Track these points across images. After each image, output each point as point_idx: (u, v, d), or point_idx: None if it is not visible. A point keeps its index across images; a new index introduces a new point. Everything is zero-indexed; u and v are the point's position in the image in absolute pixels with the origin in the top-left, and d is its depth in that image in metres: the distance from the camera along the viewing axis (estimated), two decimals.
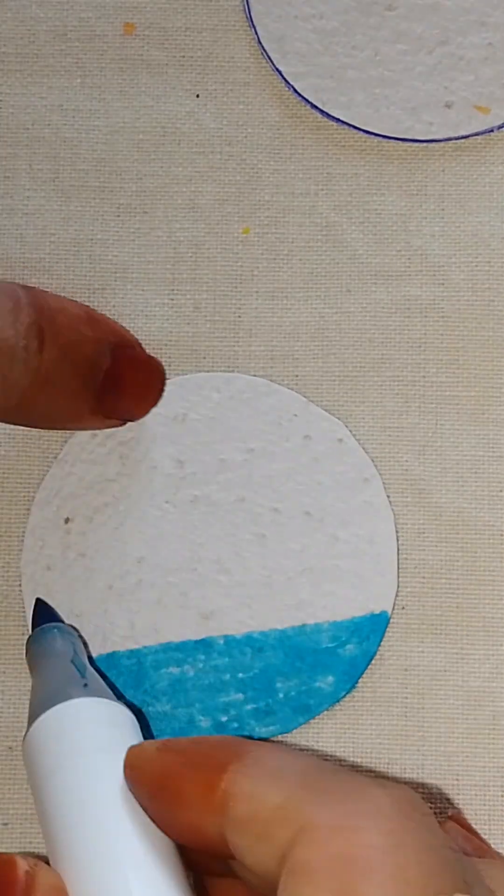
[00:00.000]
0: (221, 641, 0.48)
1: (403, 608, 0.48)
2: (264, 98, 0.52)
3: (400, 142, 0.51)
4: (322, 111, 0.51)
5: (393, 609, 0.48)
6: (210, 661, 0.48)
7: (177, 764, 0.39)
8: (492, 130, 0.50)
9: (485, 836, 0.46)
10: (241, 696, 0.47)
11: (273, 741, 0.47)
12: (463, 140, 0.51)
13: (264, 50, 0.51)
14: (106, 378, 0.46)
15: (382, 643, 0.48)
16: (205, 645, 0.48)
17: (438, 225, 0.51)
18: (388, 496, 0.49)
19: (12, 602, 0.49)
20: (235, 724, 0.47)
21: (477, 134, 0.50)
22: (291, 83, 0.51)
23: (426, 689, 0.48)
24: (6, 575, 0.49)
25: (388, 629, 0.48)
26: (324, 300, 0.51)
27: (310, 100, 0.51)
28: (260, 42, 0.51)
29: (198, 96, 0.52)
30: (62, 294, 0.50)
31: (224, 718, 0.47)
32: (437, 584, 0.48)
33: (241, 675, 0.48)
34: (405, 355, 0.50)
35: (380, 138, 0.51)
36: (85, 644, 0.48)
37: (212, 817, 0.37)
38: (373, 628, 0.48)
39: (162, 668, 0.48)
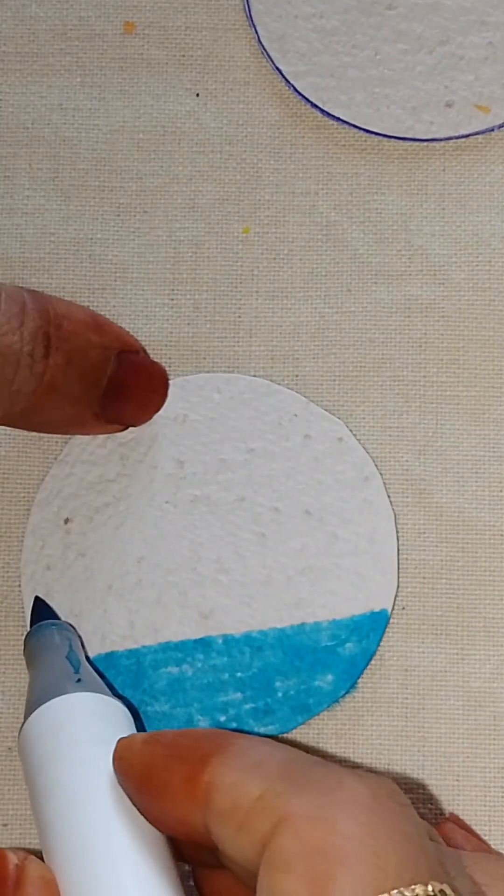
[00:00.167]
0: (220, 641, 0.48)
1: (404, 608, 0.48)
2: (264, 97, 0.52)
3: (400, 141, 0.51)
4: (322, 110, 0.51)
5: (393, 609, 0.48)
6: (209, 660, 0.48)
7: (162, 756, 0.39)
8: (492, 130, 0.50)
9: (485, 837, 0.46)
10: (239, 695, 0.47)
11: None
12: (463, 139, 0.51)
13: (264, 49, 0.51)
14: (110, 384, 0.46)
15: (383, 644, 0.48)
16: (203, 644, 0.48)
17: (439, 224, 0.51)
18: (389, 496, 0.49)
19: (12, 602, 0.49)
20: (234, 724, 0.47)
21: (477, 133, 0.50)
22: (292, 82, 0.51)
23: (427, 690, 0.48)
24: (6, 575, 0.49)
25: (388, 629, 0.48)
26: (324, 300, 0.51)
27: (310, 99, 0.51)
28: (260, 41, 0.51)
29: (198, 95, 0.52)
30: (62, 294, 0.50)
31: (223, 718, 0.47)
32: (438, 584, 0.48)
33: (239, 674, 0.47)
34: (405, 355, 0.50)
35: (380, 137, 0.51)
36: (82, 641, 0.48)
37: (195, 809, 0.37)
38: (372, 626, 0.48)
39: (161, 667, 0.48)
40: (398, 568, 0.48)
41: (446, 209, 0.51)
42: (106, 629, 0.48)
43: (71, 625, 0.48)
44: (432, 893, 0.34)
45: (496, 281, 0.50)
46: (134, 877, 0.38)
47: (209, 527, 0.49)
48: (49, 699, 0.42)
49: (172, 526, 0.49)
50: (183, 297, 0.51)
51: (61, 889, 0.39)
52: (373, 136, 0.51)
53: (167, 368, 0.50)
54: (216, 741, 0.38)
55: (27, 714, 0.43)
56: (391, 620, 0.48)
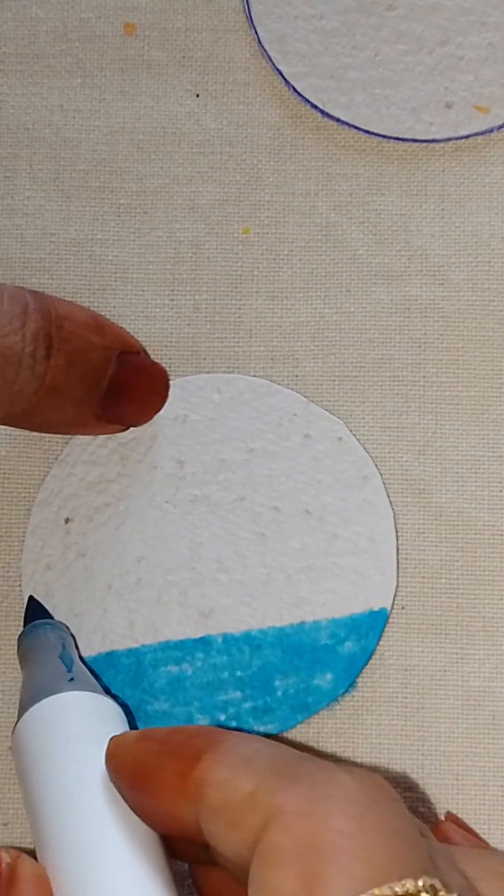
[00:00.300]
0: (220, 640, 0.48)
1: (403, 608, 0.48)
2: (264, 98, 0.52)
3: (400, 142, 0.51)
4: (322, 111, 0.51)
5: (392, 608, 0.48)
6: (208, 659, 0.48)
7: (154, 753, 0.39)
8: (492, 131, 0.50)
9: (484, 836, 0.46)
10: (239, 694, 0.47)
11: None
12: (463, 140, 0.51)
13: (264, 50, 0.51)
14: (111, 385, 0.47)
15: (382, 643, 0.48)
16: (203, 643, 0.48)
17: (438, 225, 0.51)
18: (388, 496, 0.49)
19: (12, 602, 0.49)
20: (234, 723, 0.47)
21: (477, 134, 0.50)
22: (291, 83, 0.51)
23: (426, 689, 0.48)
24: (6, 575, 0.49)
25: (387, 629, 0.48)
26: (324, 300, 0.51)
27: (310, 100, 0.51)
28: (260, 42, 0.51)
29: (198, 96, 0.52)
30: (63, 295, 0.50)
31: (222, 717, 0.47)
32: (437, 584, 0.48)
33: (239, 673, 0.48)
34: (405, 355, 0.50)
35: (380, 138, 0.51)
36: (75, 641, 0.48)
37: (186, 805, 0.37)
38: (371, 625, 0.48)
39: (160, 666, 0.48)
40: (397, 567, 0.48)
41: (446, 210, 0.51)
42: (106, 628, 0.48)
43: (64, 624, 0.48)
44: (423, 888, 0.34)
45: (496, 281, 0.50)
46: (126, 874, 0.39)
47: (209, 526, 0.49)
48: (42, 698, 0.43)
49: (172, 525, 0.49)
50: (183, 297, 0.51)
51: (54, 887, 0.39)
52: (373, 136, 0.51)
53: (167, 369, 0.50)
54: (208, 738, 0.39)
55: (20, 713, 0.43)
56: (390, 620, 0.48)
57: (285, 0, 0.51)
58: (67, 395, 0.46)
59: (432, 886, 0.34)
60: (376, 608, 0.48)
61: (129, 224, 0.51)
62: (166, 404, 0.50)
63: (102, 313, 0.49)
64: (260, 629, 0.48)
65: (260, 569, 0.48)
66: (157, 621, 0.48)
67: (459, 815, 0.47)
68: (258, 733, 0.47)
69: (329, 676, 0.47)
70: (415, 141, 0.50)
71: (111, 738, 0.41)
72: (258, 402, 0.50)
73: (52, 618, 0.48)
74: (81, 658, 0.47)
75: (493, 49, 0.50)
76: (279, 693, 0.47)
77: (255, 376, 0.50)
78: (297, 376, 0.50)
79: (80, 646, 0.48)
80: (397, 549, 0.48)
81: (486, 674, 0.48)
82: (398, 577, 0.48)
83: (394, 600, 0.48)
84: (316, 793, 0.36)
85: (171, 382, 0.50)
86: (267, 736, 0.47)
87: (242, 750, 0.38)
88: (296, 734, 0.48)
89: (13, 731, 0.43)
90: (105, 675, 0.48)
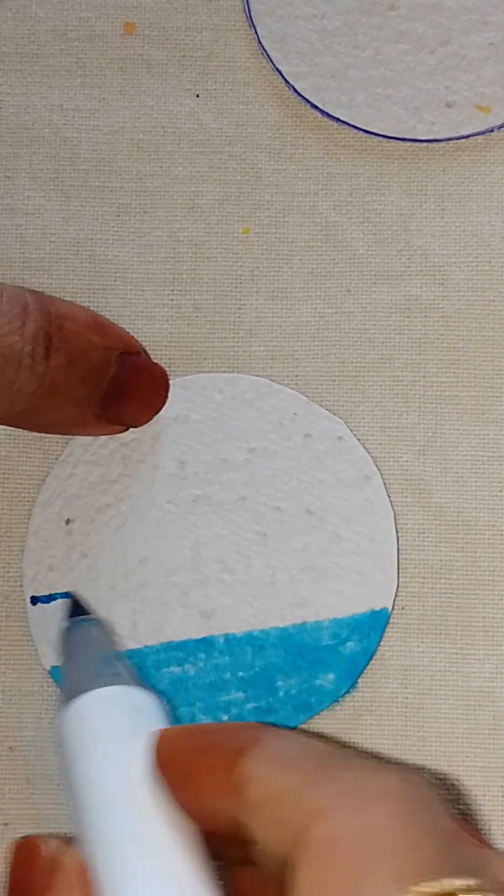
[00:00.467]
0: (222, 640, 0.48)
1: (403, 608, 0.48)
2: (265, 98, 0.52)
3: (400, 141, 0.51)
4: (323, 111, 0.51)
5: (393, 608, 0.48)
6: (211, 659, 0.48)
7: (197, 748, 0.39)
8: (493, 130, 0.50)
9: (484, 836, 0.47)
10: (241, 694, 0.47)
11: None
12: (463, 140, 0.51)
13: (265, 50, 0.51)
14: (111, 385, 0.46)
15: (383, 643, 0.48)
16: (205, 644, 0.48)
17: (439, 225, 0.51)
18: (389, 496, 0.49)
19: (14, 603, 0.49)
20: None
21: (478, 134, 0.50)
22: (292, 83, 0.51)
23: (426, 689, 0.48)
24: (8, 576, 0.49)
25: (388, 629, 0.48)
26: (324, 300, 0.51)
27: (310, 100, 0.51)
28: (260, 42, 0.51)
29: (198, 96, 0.52)
30: (63, 295, 0.50)
31: (225, 717, 0.47)
32: (437, 584, 0.49)
33: (241, 673, 0.48)
34: (405, 355, 0.50)
35: (380, 138, 0.51)
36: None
37: (229, 800, 0.37)
38: (373, 625, 0.48)
39: (163, 667, 0.48)
40: (398, 567, 0.48)
41: (446, 209, 0.51)
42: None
43: (106, 620, 0.48)
44: (465, 888, 0.34)
45: (496, 281, 0.50)
46: (166, 868, 0.38)
47: (211, 526, 0.49)
48: (87, 690, 0.43)
49: (174, 526, 0.49)
50: (183, 297, 0.51)
51: (93, 878, 0.39)
52: (373, 136, 0.51)
53: (167, 369, 0.50)
54: (251, 734, 0.39)
55: (63, 705, 0.43)
56: (391, 620, 0.48)
57: (286, 0, 0.51)
58: (67, 395, 0.46)
59: (475, 886, 0.34)
60: (378, 608, 0.48)
61: (129, 224, 0.51)
62: (168, 404, 0.50)
63: (102, 313, 0.49)
64: (262, 629, 0.48)
65: (262, 569, 0.48)
66: (159, 622, 0.48)
67: (459, 816, 0.47)
68: None
69: (331, 676, 0.47)
70: (416, 141, 0.50)
71: (155, 732, 0.41)
72: (260, 402, 0.50)
73: (93, 614, 0.48)
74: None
75: (495, 48, 0.50)
76: (281, 693, 0.47)
77: (255, 376, 0.50)
78: (297, 376, 0.50)
79: None
80: (398, 550, 0.49)
81: (487, 674, 0.48)
82: (399, 577, 0.48)
83: (394, 600, 0.48)
84: (360, 790, 0.36)
85: (172, 382, 0.50)
86: None
87: (286, 746, 0.38)
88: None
89: (56, 722, 0.43)
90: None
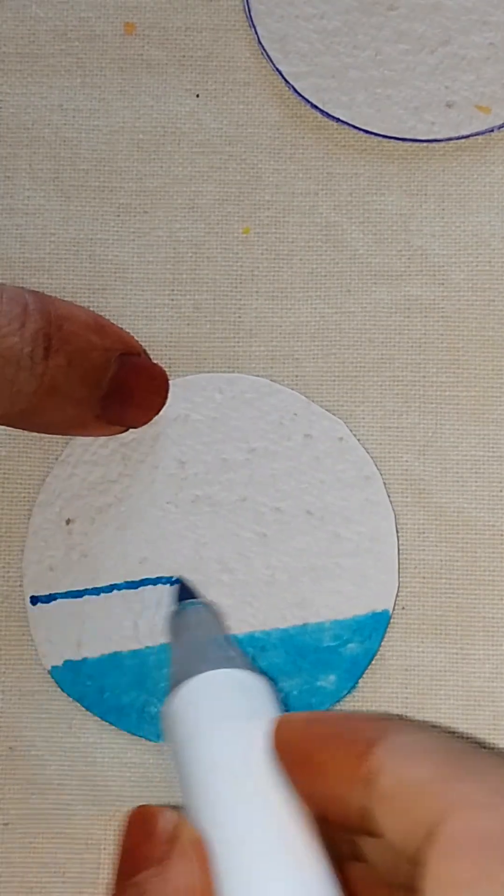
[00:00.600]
0: None
1: (404, 608, 0.48)
2: (265, 98, 0.52)
3: (400, 141, 0.51)
4: (323, 111, 0.51)
5: (393, 609, 0.48)
6: None
7: (324, 735, 0.39)
8: (492, 130, 0.50)
9: None
10: None
11: None
12: (463, 140, 0.51)
13: (265, 50, 0.51)
14: (111, 386, 0.46)
15: (383, 643, 0.48)
16: None
17: (439, 225, 0.51)
18: (389, 496, 0.49)
19: (14, 602, 0.49)
20: None
21: (478, 134, 0.50)
22: (292, 83, 0.51)
23: (427, 689, 0.48)
24: (8, 576, 0.49)
25: (389, 629, 0.48)
26: (324, 300, 0.51)
27: (310, 100, 0.51)
28: (260, 42, 0.51)
29: (198, 96, 0.52)
30: (63, 295, 0.50)
31: None
32: (438, 584, 0.49)
33: None
34: (405, 355, 0.50)
35: (380, 138, 0.51)
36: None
37: (357, 790, 0.37)
38: (374, 627, 0.48)
39: (164, 667, 0.48)
40: (398, 568, 0.48)
41: (446, 209, 0.51)
42: (110, 630, 0.48)
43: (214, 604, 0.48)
44: None
45: (496, 281, 0.50)
46: (283, 852, 0.38)
47: (211, 527, 0.49)
48: (199, 672, 0.42)
49: (174, 526, 0.49)
50: (183, 297, 0.51)
51: (211, 855, 0.38)
52: (373, 136, 0.51)
53: (167, 369, 0.50)
54: (382, 724, 0.38)
55: (173, 686, 0.43)
56: (391, 620, 0.48)
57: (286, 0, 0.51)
58: (67, 396, 0.46)
59: None
60: (379, 609, 0.48)
61: (129, 224, 0.51)
62: (168, 404, 0.50)
63: (103, 313, 0.49)
64: (263, 630, 0.48)
65: (263, 569, 0.48)
66: (160, 622, 0.48)
67: None
68: None
69: (332, 678, 0.47)
70: (416, 141, 0.50)
71: (278, 718, 0.41)
72: (260, 402, 0.50)
73: (201, 597, 0.48)
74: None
75: (495, 48, 0.50)
76: (283, 694, 0.47)
77: (255, 376, 0.50)
78: (297, 376, 0.50)
79: (83, 647, 0.48)
80: (398, 550, 0.49)
81: (487, 674, 0.48)
82: (399, 578, 0.48)
83: (395, 601, 0.48)
84: (494, 785, 0.35)
85: (172, 382, 0.50)
86: None
87: (418, 738, 0.38)
88: None
89: (166, 703, 0.42)
90: (109, 676, 0.48)
